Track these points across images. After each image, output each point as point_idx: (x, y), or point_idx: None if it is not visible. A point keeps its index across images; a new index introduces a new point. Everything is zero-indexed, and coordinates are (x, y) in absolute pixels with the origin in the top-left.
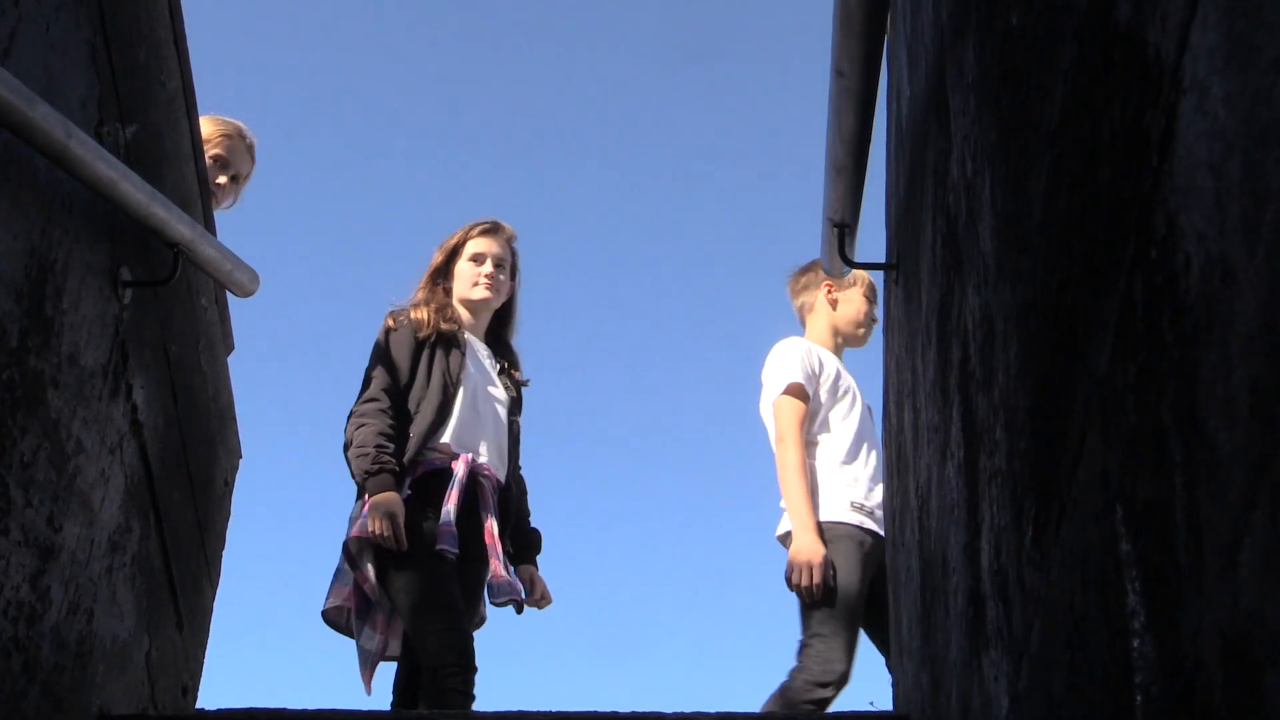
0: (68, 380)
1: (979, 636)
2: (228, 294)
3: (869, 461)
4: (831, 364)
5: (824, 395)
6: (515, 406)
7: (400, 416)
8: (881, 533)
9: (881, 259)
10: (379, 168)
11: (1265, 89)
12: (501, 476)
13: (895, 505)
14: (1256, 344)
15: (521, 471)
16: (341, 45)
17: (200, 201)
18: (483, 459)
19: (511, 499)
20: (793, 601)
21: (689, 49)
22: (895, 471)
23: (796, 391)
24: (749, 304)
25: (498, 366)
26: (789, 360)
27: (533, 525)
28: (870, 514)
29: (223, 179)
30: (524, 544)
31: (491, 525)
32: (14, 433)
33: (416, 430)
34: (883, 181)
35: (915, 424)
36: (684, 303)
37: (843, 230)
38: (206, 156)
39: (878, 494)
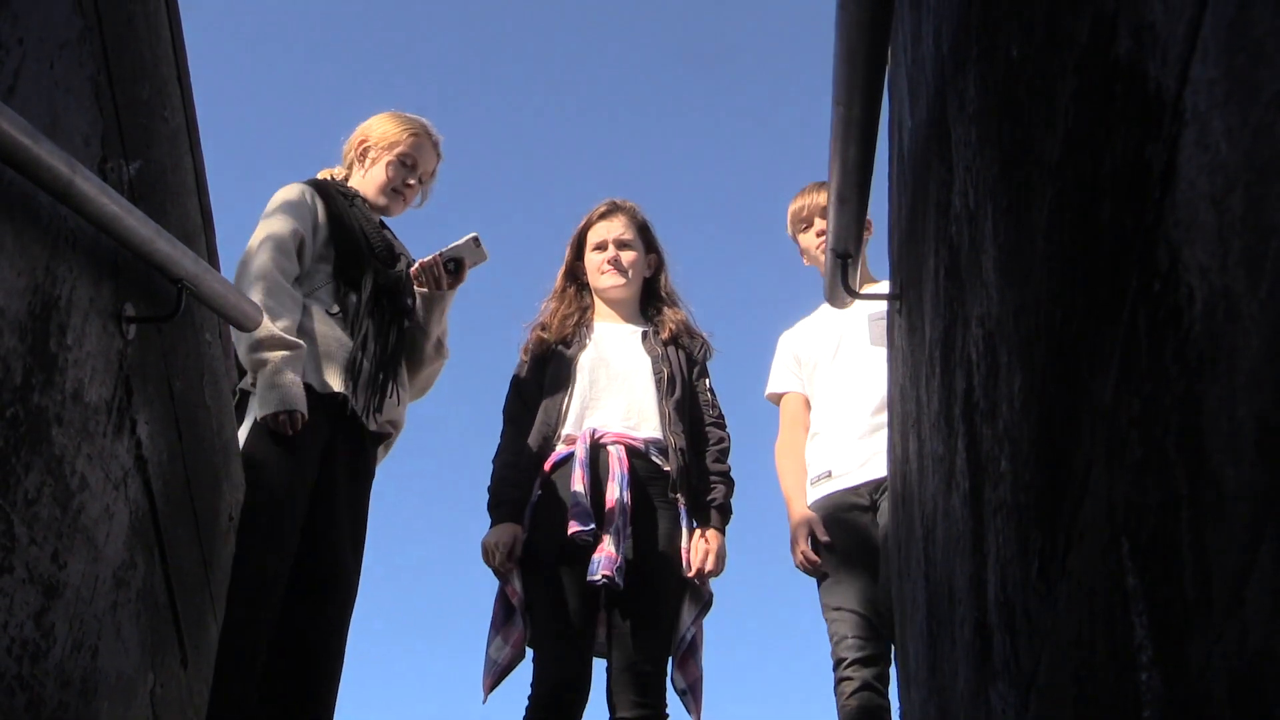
0: (72, 417)
1: (986, 668)
2: (231, 329)
3: (842, 417)
4: (811, 333)
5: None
6: (666, 366)
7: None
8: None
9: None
10: None
11: (1266, 124)
12: (641, 438)
13: (901, 535)
14: (1261, 379)
15: (712, 424)
16: (338, 68)
17: (204, 236)
18: (609, 428)
19: (668, 457)
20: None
21: (697, 52)
22: (901, 501)
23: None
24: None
25: (640, 333)
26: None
27: (716, 480)
28: (828, 475)
29: (411, 180)
30: (699, 506)
31: (614, 495)
32: (18, 470)
33: (535, 434)
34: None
35: (920, 454)
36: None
37: (846, 261)
38: (395, 157)
39: (849, 447)
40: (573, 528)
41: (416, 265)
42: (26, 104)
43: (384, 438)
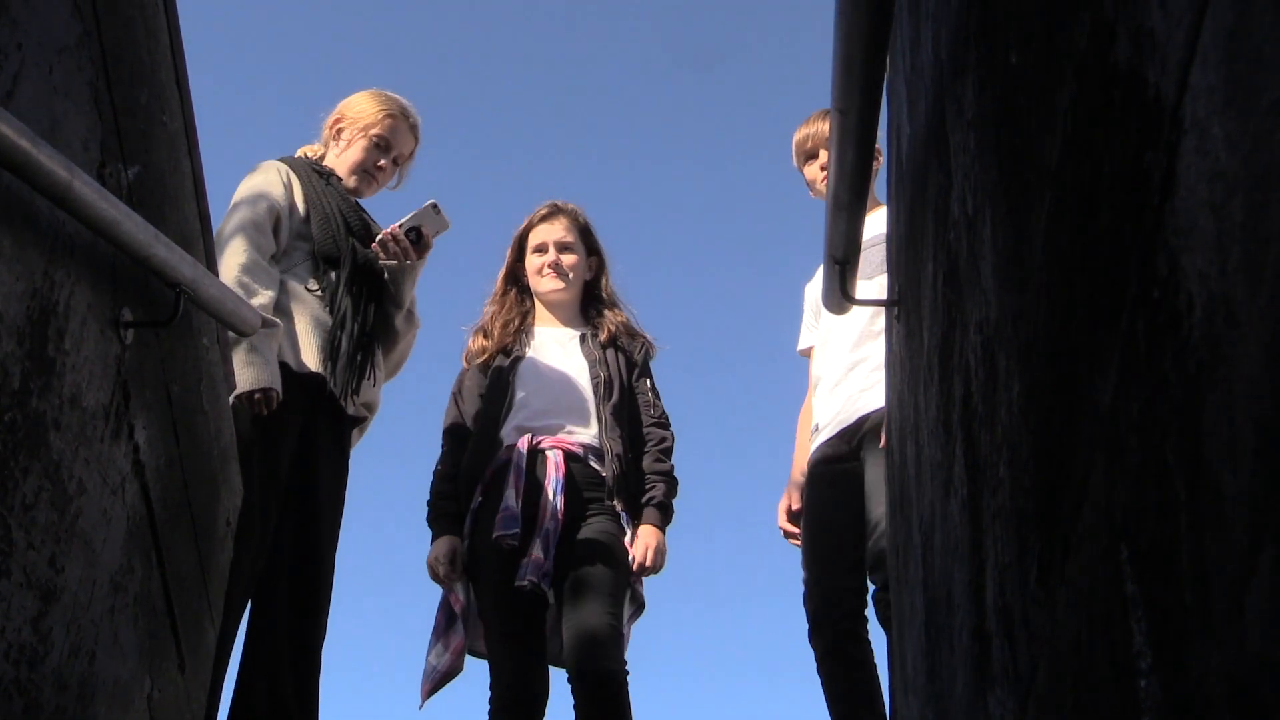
0: (70, 421)
1: (984, 674)
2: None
3: (827, 367)
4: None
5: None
6: (604, 370)
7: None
8: (830, 435)
9: None
10: None
11: (1266, 131)
12: (579, 443)
13: (899, 541)
14: (1260, 385)
15: (652, 425)
16: (338, 72)
17: (202, 240)
18: (548, 434)
19: (605, 462)
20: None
21: (695, 54)
22: (899, 507)
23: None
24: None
25: (578, 336)
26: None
27: (655, 479)
28: (815, 429)
29: (383, 162)
30: (639, 506)
31: (547, 500)
32: (16, 474)
33: (475, 443)
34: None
35: (918, 460)
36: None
37: (844, 267)
38: (369, 138)
39: (834, 402)
40: (497, 531)
41: (378, 238)
42: (25, 109)
43: (360, 421)
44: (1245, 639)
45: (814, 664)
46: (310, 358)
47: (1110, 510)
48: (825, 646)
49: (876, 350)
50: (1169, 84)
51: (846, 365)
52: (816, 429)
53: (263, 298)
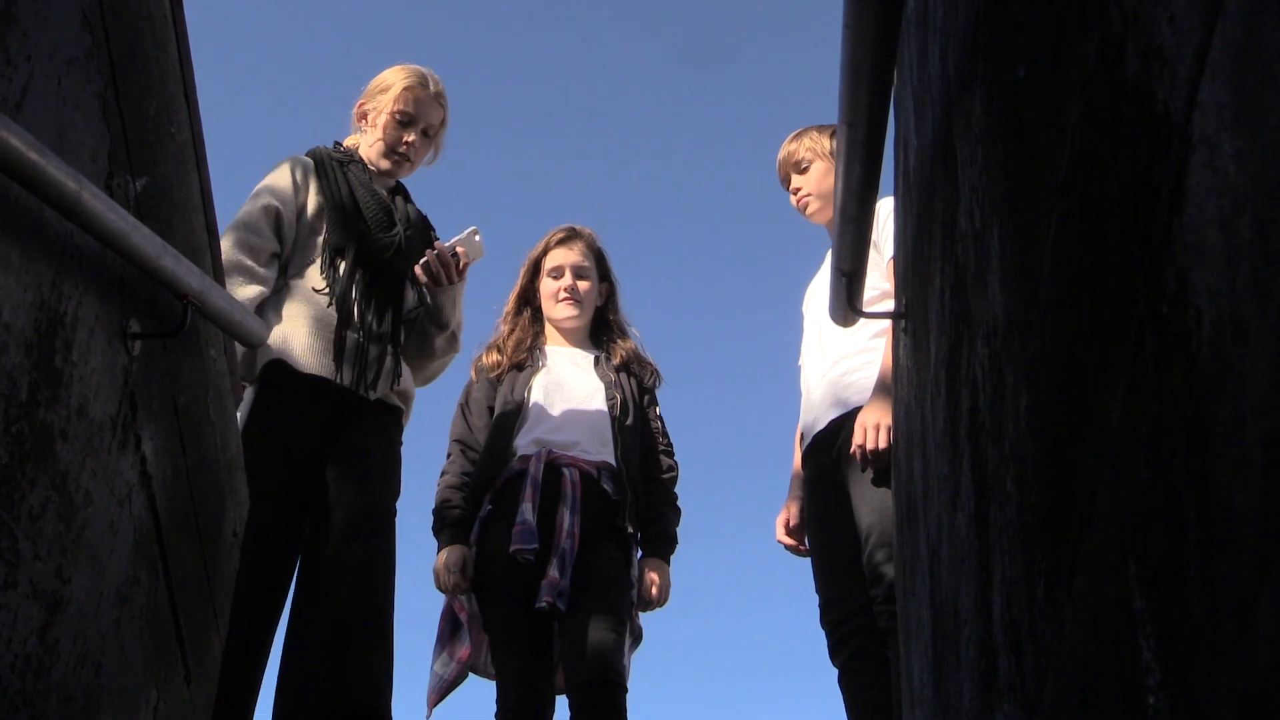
0: (77, 432)
1: (992, 689)
2: (236, 345)
3: (808, 377)
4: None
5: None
6: (619, 393)
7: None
8: (810, 432)
9: None
10: None
11: (1275, 147)
12: (593, 462)
13: (906, 555)
14: (1269, 402)
15: (662, 454)
16: (346, 84)
17: (209, 252)
18: (564, 450)
19: (619, 484)
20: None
21: (702, 54)
22: (906, 521)
23: None
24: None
25: (592, 358)
26: None
27: (664, 514)
28: (803, 438)
29: (411, 136)
30: (646, 535)
31: (564, 520)
32: (23, 485)
33: (486, 454)
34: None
35: (925, 474)
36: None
37: (851, 280)
38: (388, 114)
39: (814, 402)
40: (515, 544)
41: (426, 260)
42: (34, 120)
43: (393, 408)
44: (1254, 656)
45: (815, 680)
46: (312, 358)
47: (1118, 526)
48: (844, 663)
49: (844, 345)
50: (1178, 100)
51: (820, 372)
52: (803, 438)
53: (241, 295)
